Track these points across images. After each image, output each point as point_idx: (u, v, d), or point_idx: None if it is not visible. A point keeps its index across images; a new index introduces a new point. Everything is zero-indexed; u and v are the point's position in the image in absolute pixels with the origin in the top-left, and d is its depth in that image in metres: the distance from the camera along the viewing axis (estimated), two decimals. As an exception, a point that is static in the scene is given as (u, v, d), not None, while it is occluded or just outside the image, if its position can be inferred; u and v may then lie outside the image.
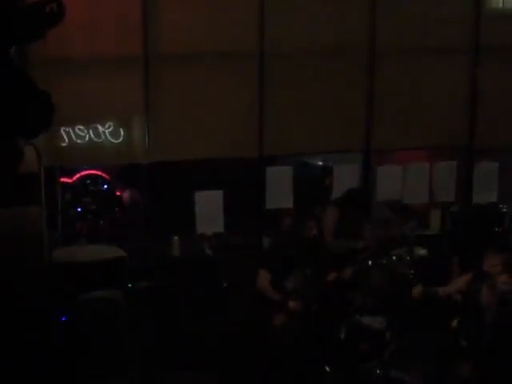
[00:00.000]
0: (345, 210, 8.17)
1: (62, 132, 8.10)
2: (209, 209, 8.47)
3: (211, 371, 7.21)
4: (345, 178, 8.94)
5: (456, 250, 8.66)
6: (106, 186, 8.62)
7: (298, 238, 7.65)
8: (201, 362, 7.30)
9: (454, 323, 6.72)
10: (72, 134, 8.14)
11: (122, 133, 8.28)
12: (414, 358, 7.23)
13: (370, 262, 8.11)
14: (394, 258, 8.36)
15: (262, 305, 7.35)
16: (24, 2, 4.73)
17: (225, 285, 8.16)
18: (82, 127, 8.16)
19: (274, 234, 8.39)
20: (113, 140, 8.26)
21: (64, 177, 8.49)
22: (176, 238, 8.41)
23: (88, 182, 8.58)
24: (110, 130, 8.24)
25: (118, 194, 8.73)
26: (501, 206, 9.38)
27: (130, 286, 7.70)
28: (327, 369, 7.29)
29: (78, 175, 8.57)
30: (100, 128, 8.22)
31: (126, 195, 8.92)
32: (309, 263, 7.49)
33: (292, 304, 7.20)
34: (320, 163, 9.71)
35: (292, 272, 7.40)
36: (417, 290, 7.31)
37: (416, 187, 9.23)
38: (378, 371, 7.34)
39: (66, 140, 8.13)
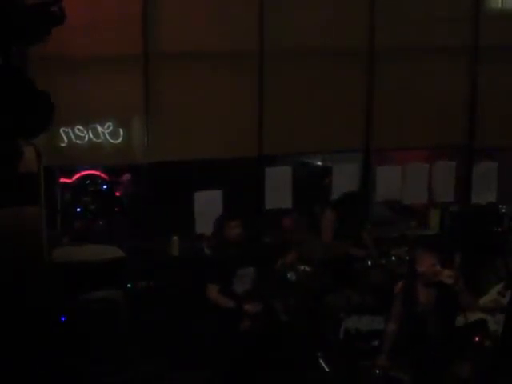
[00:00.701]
0: (342, 213, 8.14)
1: (62, 132, 8.08)
2: (208, 209, 8.46)
3: (210, 371, 7.21)
4: (344, 177, 8.94)
5: (456, 250, 8.65)
6: (105, 186, 8.63)
7: (224, 241, 7.49)
8: (200, 362, 7.29)
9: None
10: (71, 134, 8.13)
11: (122, 133, 8.27)
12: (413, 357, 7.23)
13: (369, 262, 8.13)
14: (393, 258, 8.37)
15: (224, 314, 7.24)
16: (24, 3, 4.72)
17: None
18: (81, 127, 8.15)
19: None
20: (112, 140, 8.25)
21: (63, 177, 8.49)
22: (175, 237, 8.40)
23: (87, 182, 8.58)
24: (110, 130, 8.23)
25: (117, 194, 8.73)
26: (500, 206, 9.38)
27: (129, 286, 7.71)
28: (326, 369, 7.30)
29: (77, 175, 8.58)
30: (99, 128, 8.21)
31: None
32: (248, 263, 7.36)
33: (248, 307, 7.10)
34: (319, 163, 9.71)
35: (236, 276, 7.29)
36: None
37: (415, 187, 9.23)
38: (378, 371, 7.34)
39: (66, 140, 8.12)
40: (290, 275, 7.71)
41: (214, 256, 7.60)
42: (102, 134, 8.23)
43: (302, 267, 7.83)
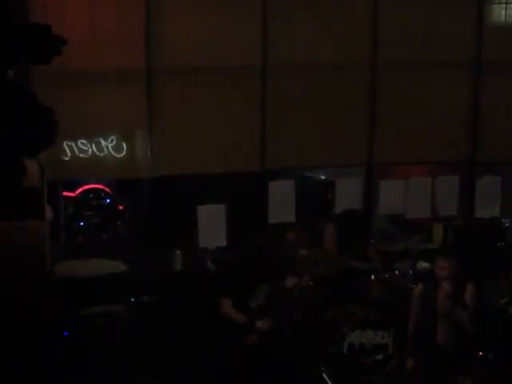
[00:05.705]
0: (344, 228, 8.13)
1: (65, 146, 8.11)
2: (211, 223, 8.46)
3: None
4: (347, 192, 8.94)
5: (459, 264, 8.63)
6: (108, 200, 8.63)
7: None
8: (203, 376, 7.28)
9: None
10: (75, 147, 8.16)
11: (125, 147, 8.30)
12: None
13: (372, 277, 8.12)
14: (396, 272, 8.37)
15: (233, 329, 7.22)
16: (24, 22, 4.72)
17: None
18: (84, 141, 8.18)
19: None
20: (115, 154, 8.27)
21: (66, 191, 8.49)
22: (178, 252, 8.40)
23: (90, 195, 8.58)
24: (113, 144, 8.25)
25: (120, 207, 8.72)
26: (503, 220, 9.37)
27: (131, 300, 7.70)
28: (330, 383, 7.29)
29: (80, 189, 8.57)
30: (103, 142, 8.24)
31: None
32: (263, 278, 7.35)
33: (259, 323, 7.09)
34: (322, 177, 9.71)
35: (252, 292, 7.29)
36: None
37: (418, 201, 9.22)
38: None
39: (69, 154, 8.15)
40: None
41: (229, 271, 7.63)
42: (105, 148, 8.26)
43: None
